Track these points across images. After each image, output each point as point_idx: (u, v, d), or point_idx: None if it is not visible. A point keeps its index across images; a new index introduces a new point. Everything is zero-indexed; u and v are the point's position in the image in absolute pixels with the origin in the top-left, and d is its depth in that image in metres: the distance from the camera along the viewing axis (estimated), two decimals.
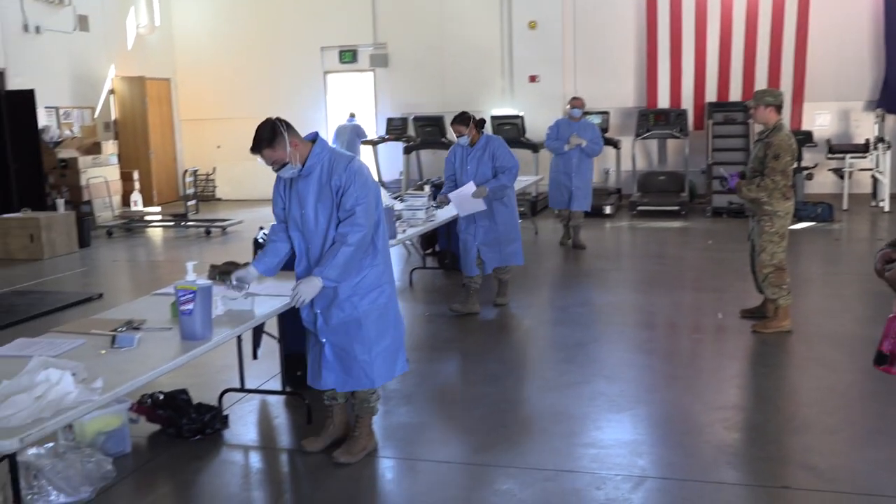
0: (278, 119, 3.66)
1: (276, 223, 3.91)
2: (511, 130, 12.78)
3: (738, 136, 12.30)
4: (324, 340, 3.81)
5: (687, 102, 13.21)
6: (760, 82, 12.87)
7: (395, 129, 13.89)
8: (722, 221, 11.30)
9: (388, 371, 3.87)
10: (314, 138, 3.75)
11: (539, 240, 10.30)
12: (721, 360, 5.41)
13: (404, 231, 6.13)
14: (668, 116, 12.63)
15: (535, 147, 12.67)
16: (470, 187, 6.32)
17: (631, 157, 12.82)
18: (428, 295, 7.57)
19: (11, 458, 2.71)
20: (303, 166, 3.68)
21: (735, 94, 13.03)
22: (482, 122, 6.42)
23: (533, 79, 13.60)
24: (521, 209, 11.68)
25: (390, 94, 14.59)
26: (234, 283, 3.81)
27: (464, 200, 6.36)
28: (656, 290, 7.41)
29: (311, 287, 3.67)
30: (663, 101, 13.28)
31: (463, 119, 6.32)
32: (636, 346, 5.78)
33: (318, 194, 3.68)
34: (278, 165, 3.65)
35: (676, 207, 11.87)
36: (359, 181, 3.64)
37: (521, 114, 13.09)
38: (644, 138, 12.74)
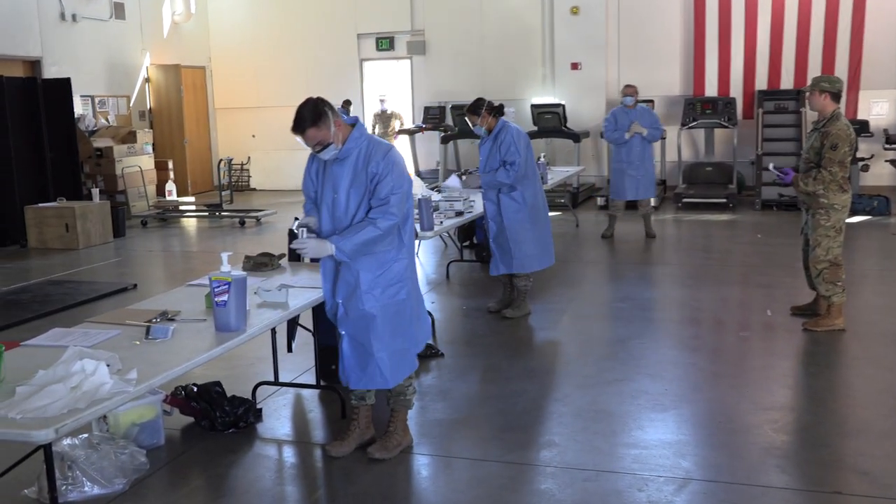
0: (320, 98, 3.67)
1: (307, 202, 3.94)
2: (552, 119, 12.71)
3: (789, 126, 12.10)
4: (343, 333, 3.82)
5: (736, 90, 13.02)
6: (814, 69, 12.63)
7: (433, 117, 13.88)
8: (772, 214, 11.13)
9: (401, 370, 3.85)
10: (354, 122, 3.76)
11: (580, 232, 10.24)
12: (770, 359, 5.34)
13: (441, 223, 6.12)
14: (716, 105, 12.46)
15: (576, 137, 12.59)
16: (453, 181, 6.29)
17: (676, 147, 12.68)
18: (465, 288, 7.57)
19: (46, 449, 2.76)
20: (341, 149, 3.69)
21: (787, 82, 12.81)
22: (498, 108, 6.13)
23: (575, 66, 13.50)
24: (562, 201, 11.62)
25: (427, 82, 14.59)
26: (301, 227, 3.75)
27: (456, 193, 6.38)
28: (702, 286, 7.33)
29: (321, 248, 3.66)
30: (711, 89, 13.10)
31: (473, 107, 6.11)
32: (681, 343, 5.72)
33: (353, 179, 3.69)
34: (321, 146, 3.65)
35: (724, 200, 11.72)
36: (396, 171, 3.65)
37: (562, 102, 13.01)
38: (690, 128, 12.59)
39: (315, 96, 3.69)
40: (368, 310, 3.72)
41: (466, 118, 6.22)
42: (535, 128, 12.89)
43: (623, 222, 9.85)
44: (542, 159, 8.89)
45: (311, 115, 3.60)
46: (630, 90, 9.32)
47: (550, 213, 10.68)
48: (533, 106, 12.96)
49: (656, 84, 13.29)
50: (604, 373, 5.10)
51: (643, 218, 9.61)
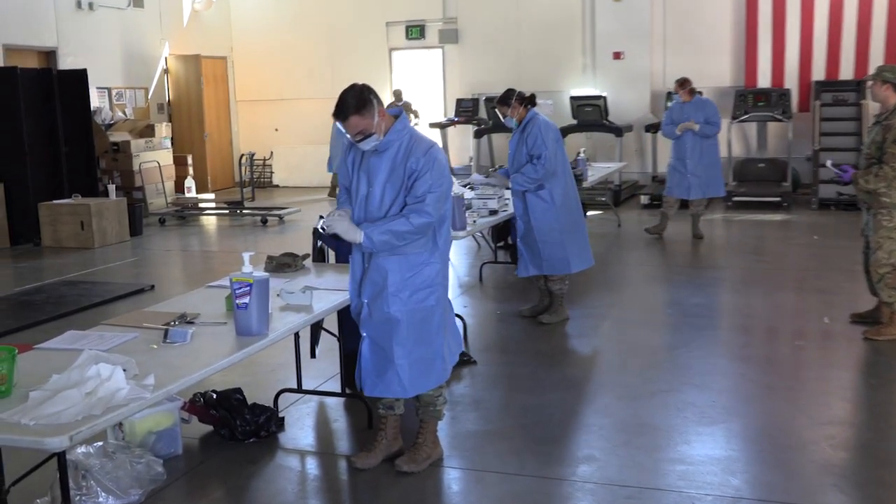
0: (366, 85, 3.68)
1: (341, 193, 3.95)
2: (592, 112, 12.65)
3: (849, 119, 11.94)
4: (364, 334, 3.83)
5: (791, 81, 12.86)
6: (876, 59, 12.43)
7: (465, 110, 13.88)
8: (829, 214, 10.99)
9: (423, 381, 3.82)
10: (397, 114, 3.77)
11: (622, 233, 10.18)
12: (827, 370, 5.27)
13: (474, 222, 6.12)
14: (770, 97, 12.33)
15: (618, 130, 12.53)
16: (475, 178, 6.25)
17: (726, 142, 12.55)
18: (499, 292, 7.56)
19: (60, 457, 2.79)
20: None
21: (846, 72, 12.63)
22: (530, 98, 6.09)
23: (617, 56, 13.43)
24: (603, 199, 11.57)
25: (460, 72, 14.59)
26: (333, 217, 3.74)
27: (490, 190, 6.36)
28: (754, 291, 7.25)
29: (350, 230, 3.66)
30: (764, 80, 12.96)
31: (503, 98, 6.10)
32: (731, 353, 5.67)
33: (390, 173, 3.70)
34: (362, 136, 3.66)
35: (777, 198, 11.59)
36: (436, 169, 3.65)
37: (603, 94, 12.95)
38: (742, 121, 12.47)
39: (360, 82, 3.71)
40: (393, 313, 3.72)
41: (496, 110, 6.20)
42: (575, 121, 12.85)
43: (670, 222, 9.77)
44: (581, 155, 8.87)
45: (355, 102, 3.61)
46: (680, 84, 9.29)
47: (590, 213, 10.77)
48: (572, 98, 12.91)
49: (705, 75, 13.15)
50: (647, 383, 5.07)
51: (692, 218, 9.54)
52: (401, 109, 3.80)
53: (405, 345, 3.75)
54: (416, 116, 14.08)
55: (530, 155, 5.98)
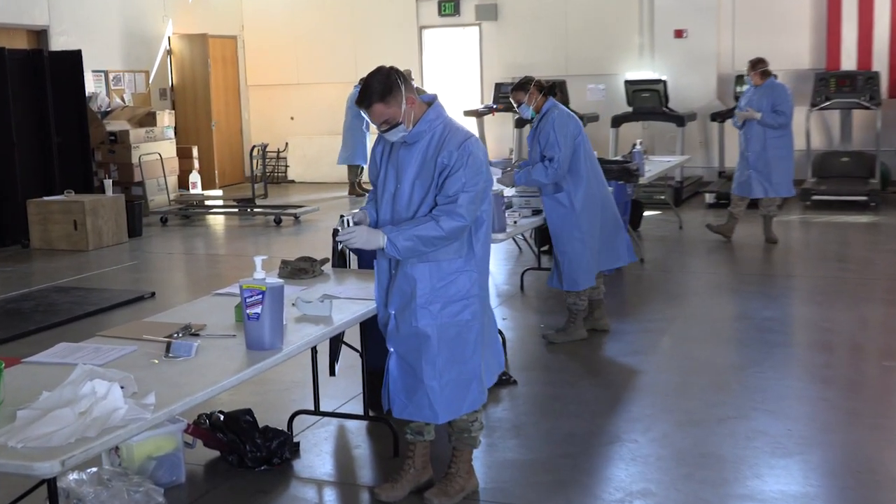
0: (394, 69, 3.69)
1: (372, 190, 3.98)
2: (650, 98, 12.59)
3: None
4: (391, 350, 3.83)
5: (880, 63, 12.70)
6: None
7: (505, 96, 13.83)
8: None
9: (456, 405, 3.82)
10: (431, 101, 3.77)
11: (684, 236, 10.12)
12: None
13: (515, 223, 6.11)
14: (855, 81, 12.19)
15: (680, 119, 12.46)
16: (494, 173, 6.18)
17: (804, 132, 12.42)
18: (543, 303, 7.54)
19: (50, 484, 2.82)
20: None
21: None
22: (549, 87, 6.03)
23: (679, 34, 13.35)
24: (661, 198, 11.50)
25: (499, 53, 14.58)
26: (348, 222, 3.77)
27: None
28: (836, 303, 7.18)
29: (371, 237, 3.67)
30: (848, 62, 12.82)
31: (520, 83, 6.05)
32: (809, 374, 5.62)
33: (420, 169, 3.70)
34: (388, 126, 3.68)
35: (864, 197, 11.45)
36: (471, 165, 3.63)
37: (662, 78, 12.88)
38: (822, 109, 12.34)
39: (388, 65, 3.72)
40: (422, 328, 3.72)
41: (511, 97, 6.14)
42: (630, 108, 12.80)
43: (740, 224, 9.70)
44: (637, 147, 8.83)
45: (380, 88, 3.62)
46: (751, 66, 9.20)
47: (647, 213, 10.72)
48: (627, 82, 12.85)
49: (780, 55, 13.00)
50: (712, 408, 5.03)
51: (763, 219, 9.45)
52: (434, 96, 3.80)
53: (436, 364, 3.74)
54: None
55: (542, 155, 5.93)
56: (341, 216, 3.84)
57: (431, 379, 3.74)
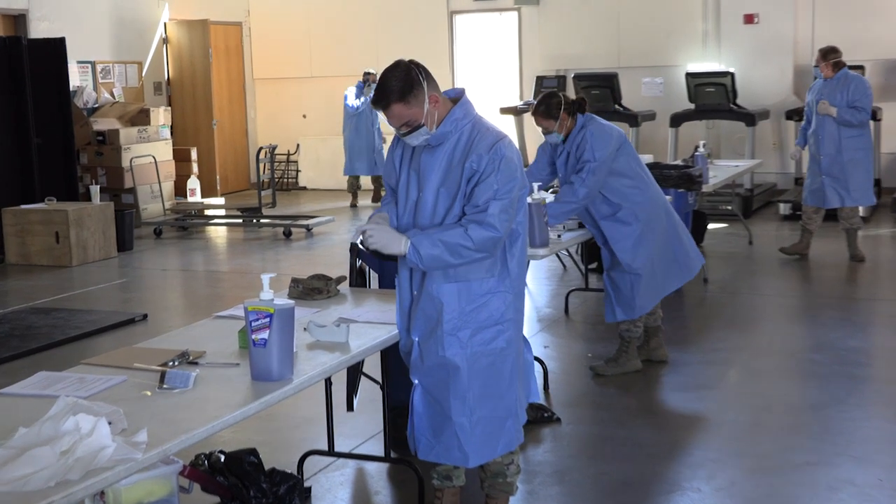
0: (414, 63, 3.70)
1: (386, 195, 3.99)
2: (715, 94, 12.54)
3: None
4: (416, 381, 3.84)
5: None
6: None
7: (548, 91, 13.85)
8: None
9: (489, 446, 3.81)
10: (458, 97, 3.78)
11: (755, 253, 10.06)
12: None
13: (559, 237, 6.10)
14: None
15: (750, 118, 12.40)
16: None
17: None
18: (591, 328, 7.52)
19: None
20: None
21: None
22: (578, 104, 5.88)
23: (750, 19, 13.30)
24: (728, 208, 11.44)
25: (541, 42, 14.59)
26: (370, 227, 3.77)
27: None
28: None
29: (391, 240, 3.68)
30: None
31: (547, 108, 5.83)
32: None
33: (445, 175, 3.71)
34: (408, 128, 3.69)
35: None
36: (504, 170, 3.62)
37: (730, 70, 12.83)
38: None
39: (407, 59, 3.72)
40: (450, 357, 3.72)
41: (536, 122, 5.95)
42: (692, 105, 12.75)
43: (819, 239, 9.62)
44: (700, 150, 8.79)
45: (399, 86, 3.62)
46: (821, 56, 9.13)
47: (712, 226, 10.66)
48: (689, 75, 12.81)
49: (867, 43, 12.94)
50: (788, 452, 4.99)
51: (846, 234, 9.37)
52: (462, 91, 3.80)
53: (466, 398, 3.73)
54: None
55: (577, 170, 5.84)
56: (358, 228, 3.84)
57: (461, 416, 3.73)
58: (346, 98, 13.65)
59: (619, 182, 5.86)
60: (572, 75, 13.56)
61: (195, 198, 13.28)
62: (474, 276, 3.71)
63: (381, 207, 4.00)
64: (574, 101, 5.87)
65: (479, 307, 3.72)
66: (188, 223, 12.54)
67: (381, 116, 3.74)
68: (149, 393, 3.42)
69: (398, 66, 3.68)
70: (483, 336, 3.73)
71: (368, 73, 13.40)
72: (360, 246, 3.82)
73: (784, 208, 11.97)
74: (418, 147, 3.77)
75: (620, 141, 5.86)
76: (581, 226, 6.35)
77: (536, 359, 5.75)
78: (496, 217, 3.60)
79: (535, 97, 13.78)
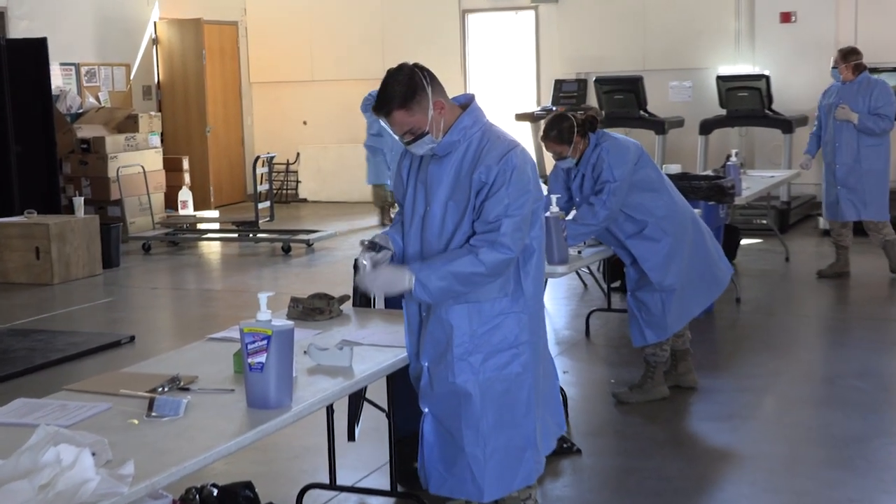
0: (418, 67, 3.70)
1: (398, 211, 4.01)
2: (749, 99, 12.52)
3: None
4: (426, 410, 3.83)
5: None
6: None
7: (567, 96, 13.87)
8: None
9: (506, 479, 3.79)
10: (467, 103, 3.78)
11: (791, 270, 10.05)
12: None
13: (579, 253, 6.09)
14: None
15: (787, 124, 12.37)
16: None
17: None
18: (614, 351, 7.52)
19: None
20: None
21: None
22: (590, 122, 5.87)
23: (787, 17, 13.29)
24: (763, 222, 11.42)
25: (561, 43, 14.60)
26: (367, 252, 3.79)
27: None
28: None
29: (394, 279, 3.67)
30: None
31: (559, 133, 5.83)
32: None
33: (453, 187, 3.71)
34: (412, 136, 3.69)
35: None
36: (517, 182, 3.61)
37: (765, 72, 12.82)
38: None
39: (412, 63, 3.73)
40: (461, 384, 3.71)
41: (547, 148, 5.98)
42: (724, 111, 12.72)
43: (859, 255, 9.59)
44: (732, 159, 8.78)
45: (401, 91, 3.63)
46: (842, 57, 9.12)
47: (745, 241, 10.63)
48: (720, 79, 12.80)
49: None
50: (829, 489, 4.97)
51: (883, 249, 9.33)
52: (471, 97, 3.80)
53: (479, 428, 3.72)
54: None
55: (596, 191, 5.85)
56: (362, 242, 3.84)
57: (474, 446, 3.72)
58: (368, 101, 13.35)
59: (640, 197, 5.87)
60: (593, 79, 13.56)
61: (187, 210, 13.28)
62: (486, 297, 3.70)
63: (390, 228, 4.02)
64: (585, 120, 5.88)
65: (492, 329, 3.72)
66: (179, 238, 12.53)
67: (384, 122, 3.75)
68: (136, 421, 3.42)
69: (401, 69, 3.69)
70: (497, 361, 3.72)
71: None
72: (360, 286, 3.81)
73: (824, 222, 11.93)
74: (426, 157, 3.77)
75: (638, 154, 5.88)
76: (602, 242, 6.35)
77: None
78: (509, 236, 3.60)
79: (553, 102, 13.84)
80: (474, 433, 3.72)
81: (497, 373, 3.72)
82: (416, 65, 3.71)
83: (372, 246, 3.82)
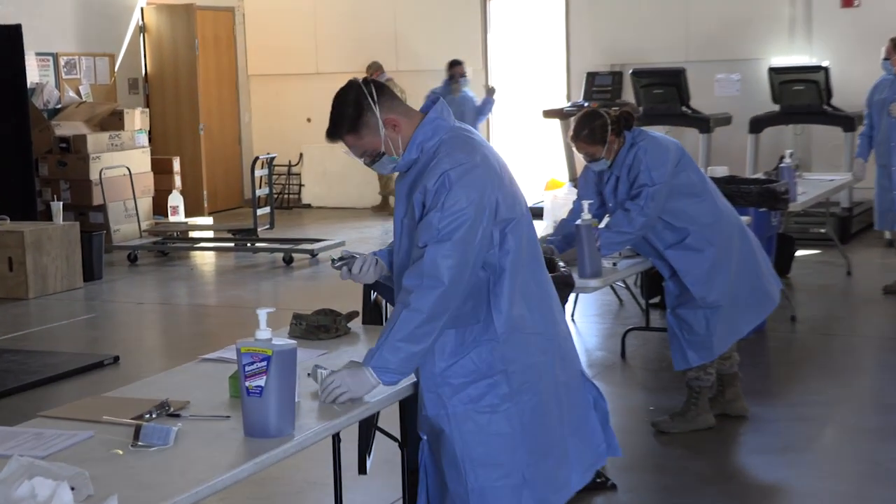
0: (365, 82, 3.77)
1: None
2: (806, 93, 12.50)
3: None
4: (423, 437, 3.87)
5: None
6: None
7: (601, 90, 13.87)
8: None
9: None
10: (429, 109, 3.81)
11: (853, 285, 10.04)
12: None
13: (614, 265, 6.08)
14: None
15: (848, 122, 12.33)
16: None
17: None
18: (652, 375, 7.52)
19: None
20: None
21: None
22: (625, 119, 5.88)
23: (848, 2, 13.28)
24: (821, 231, 11.39)
25: (594, 32, 14.60)
26: (341, 261, 3.89)
27: None
28: None
29: (358, 382, 3.68)
30: None
31: (591, 132, 5.82)
32: None
33: (406, 207, 3.78)
34: (371, 158, 3.79)
35: None
36: (453, 199, 3.59)
37: (823, 64, 12.79)
38: None
39: (358, 79, 3.81)
40: (433, 418, 3.76)
41: (577, 149, 5.98)
42: (776, 107, 12.70)
43: None
44: (786, 160, 8.76)
45: (349, 115, 3.72)
46: (893, 46, 9.14)
47: (800, 253, 10.60)
48: (773, 71, 12.78)
49: None
50: None
51: None
52: (431, 103, 3.83)
53: (457, 465, 3.75)
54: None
55: (632, 196, 5.84)
56: (332, 261, 3.90)
57: (456, 483, 3.75)
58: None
59: (681, 203, 5.86)
60: (630, 71, 13.54)
61: (177, 217, 13.32)
62: (458, 324, 3.72)
63: (387, 246, 4.10)
64: (620, 117, 5.87)
65: (460, 360, 3.73)
66: (169, 247, 12.58)
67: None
68: (120, 452, 3.42)
69: (348, 89, 3.77)
70: (468, 393, 3.73)
71: (455, 65, 12.99)
72: (334, 405, 3.80)
73: (890, 232, 11.91)
74: (400, 175, 3.87)
75: (679, 155, 5.87)
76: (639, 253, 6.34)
77: None
78: (437, 265, 3.58)
79: (584, 98, 13.84)
80: (454, 470, 3.75)
81: (471, 406, 3.73)
82: (365, 79, 3.80)
83: (347, 262, 3.94)
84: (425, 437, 3.86)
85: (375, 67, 14.28)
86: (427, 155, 3.73)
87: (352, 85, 3.77)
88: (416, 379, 3.92)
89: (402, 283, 3.66)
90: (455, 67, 12.96)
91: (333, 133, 3.77)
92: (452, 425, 3.73)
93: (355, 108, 3.71)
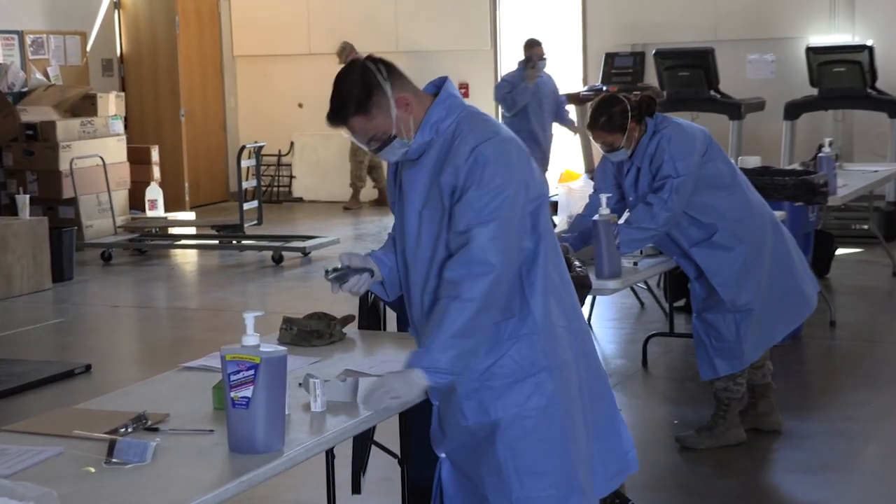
0: (372, 60, 3.74)
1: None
2: (847, 75, 12.48)
3: None
4: (442, 455, 3.86)
5: None
6: None
7: (622, 73, 13.88)
8: None
9: None
10: (436, 91, 3.80)
11: None
12: None
13: (634, 264, 6.09)
14: None
15: (893, 107, 12.32)
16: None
17: None
18: (677, 385, 7.53)
19: None
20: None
21: None
22: (647, 104, 5.87)
23: None
24: (864, 227, 11.38)
25: (613, 11, 14.62)
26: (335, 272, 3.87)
27: None
28: None
29: (405, 384, 3.66)
30: None
31: (609, 119, 5.84)
32: None
33: (427, 194, 3.74)
34: (379, 143, 3.74)
35: None
36: (490, 180, 3.60)
37: (867, 43, 12.79)
38: None
39: (364, 57, 3.78)
40: (475, 427, 3.75)
41: (595, 139, 6.02)
42: (815, 91, 12.68)
43: None
44: (826, 149, 8.76)
45: (356, 94, 3.68)
46: None
47: (841, 251, 10.60)
48: (811, 51, 12.76)
49: None
50: None
51: None
52: (442, 82, 3.81)
53: (503, 475, 3.73)
54: None
55: (655, 189, 5.85)
56: (326, 271, 3.89)
57: (499, 496, 3.73)
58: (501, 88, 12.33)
59: (709, 196, 5.86)
60: (653, 52, 13.53)
61: (156, 212, 13.28)
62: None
63: (383, 246, 4.07)
64: (641, 103, 5.87)
65: (499, 360, 3.73)
66: (147, 245, 12.60)
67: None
68: (93, 469, 3.43)
69: (352, 68, 3.74)
70: (516, 394, 3.73)
71: (534, 45, 12.30)
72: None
73: None
74: (402, 163, 3.83)
75: (706, 144, 5.87)
76: (662, 252, 6.34)
77: None
78: (486, 249, 3.59)
79: (603, 81, 13.85)
80: (497, 481, 3.73)
81: (517, 410, 3.73)
82: (369, 57, 3.75)
83: (340, 277, 3.90)
84: (444, 455, 3.85)
85: (349, 50, 14.09)
86: (444, 136, 3.72)
87: (358, 63, 3.74)
88: (424, 396, 3.93)
89: (444, 275, 3.63)
90: (534, 48, 12.31)
91: (338, 115, 3.71)
92: (497, 433, 3.71)
93: (364, 87, 3.67)
